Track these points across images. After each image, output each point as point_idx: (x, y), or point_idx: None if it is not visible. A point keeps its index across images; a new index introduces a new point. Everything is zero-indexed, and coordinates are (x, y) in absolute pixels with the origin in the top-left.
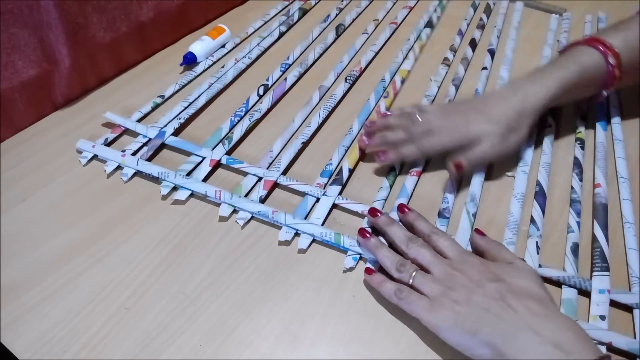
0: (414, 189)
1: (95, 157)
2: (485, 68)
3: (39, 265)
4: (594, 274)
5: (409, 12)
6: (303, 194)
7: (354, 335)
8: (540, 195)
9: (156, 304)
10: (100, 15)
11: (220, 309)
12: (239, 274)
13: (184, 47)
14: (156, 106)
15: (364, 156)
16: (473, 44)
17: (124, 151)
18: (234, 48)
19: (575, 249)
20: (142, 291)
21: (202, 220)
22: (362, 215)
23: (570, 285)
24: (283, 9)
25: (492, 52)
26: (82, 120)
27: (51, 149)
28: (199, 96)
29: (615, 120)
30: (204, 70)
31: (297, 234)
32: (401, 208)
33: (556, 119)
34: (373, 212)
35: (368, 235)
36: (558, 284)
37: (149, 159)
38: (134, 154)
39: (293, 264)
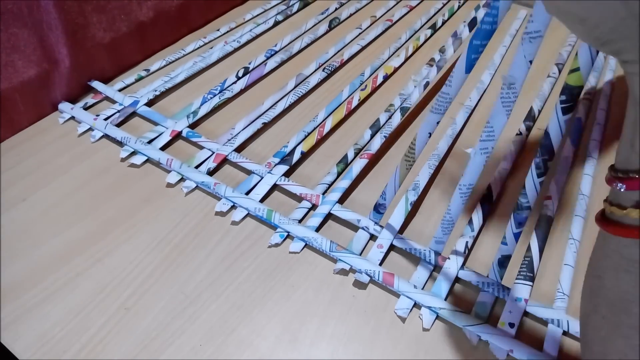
0: (360, 172)
1: (72, 118)
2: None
3: (39, 265)
4: (516, 281)
5: (409, 11)
6: (250, 172)
7: (354, 335)
8: (487, 200)
9: (156, 304)
10: (100, 15)
11: (220, 309)
12: (239, 274)
13: (184, 47)
14: (140, 78)
15: (321, 142)
16: (471, 26)
17: (98, 115)
18: (227, 32)
19: (503, 260)
20: (142, 291)
21: (202, 220)
22: (299, 198)
23: (488, 292)
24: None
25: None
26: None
27: (51, 149)
28: (180, 73)
29: (595, 137)
30: (193, 50)
31: (233, 207)
32: None
33: (529, 129)
34: None
35: None
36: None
37: (119, 125)
38: (107, 119)
39: (293, 264)
